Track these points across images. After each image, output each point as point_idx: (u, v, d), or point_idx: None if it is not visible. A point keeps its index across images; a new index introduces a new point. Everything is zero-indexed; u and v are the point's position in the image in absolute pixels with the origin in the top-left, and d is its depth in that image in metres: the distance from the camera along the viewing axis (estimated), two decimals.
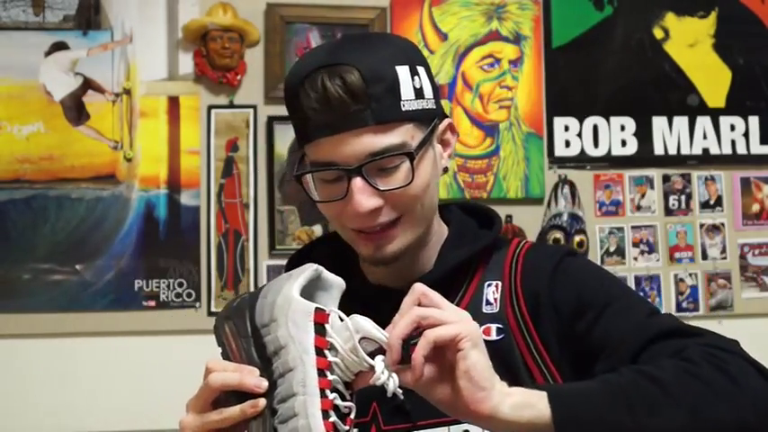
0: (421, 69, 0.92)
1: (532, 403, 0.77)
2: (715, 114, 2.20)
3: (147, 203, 1.95)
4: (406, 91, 0.90)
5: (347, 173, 0.88)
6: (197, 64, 1.97)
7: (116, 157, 1.95)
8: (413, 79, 0.92)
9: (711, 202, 2.18)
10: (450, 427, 0.92)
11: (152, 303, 1.92)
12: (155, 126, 1.96)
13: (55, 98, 1.94)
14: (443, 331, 0.74)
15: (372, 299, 0.94)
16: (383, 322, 0.89)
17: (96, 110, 1.95)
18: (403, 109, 0.89)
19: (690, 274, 2.15)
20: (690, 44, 2.22)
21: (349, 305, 0.93)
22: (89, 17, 1.96)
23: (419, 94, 0.92)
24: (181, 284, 1.94)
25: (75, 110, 1.94)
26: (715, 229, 2.18)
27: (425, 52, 1.79)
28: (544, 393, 0.78)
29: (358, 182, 0.88)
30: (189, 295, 1.94)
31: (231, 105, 2.00)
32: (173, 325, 1.93)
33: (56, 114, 1.94)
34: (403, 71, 0.91)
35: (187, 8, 1.99)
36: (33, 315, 1.90)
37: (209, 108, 1.98)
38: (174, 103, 1.97)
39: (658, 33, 2.21)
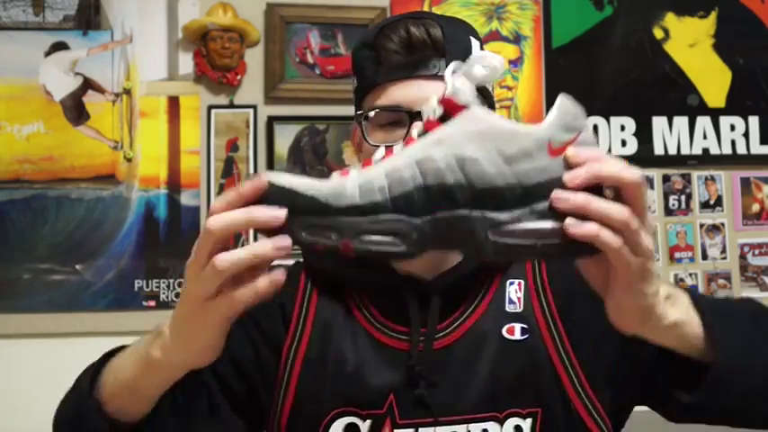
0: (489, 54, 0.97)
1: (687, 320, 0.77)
2: (715, 114, 2.20)
3: (147, 203, 1.95)
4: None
5: (410, 116, 0.90)
6: (197, 64, 1.97)
7: (116, 157, 1.95)
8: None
9: (711, 202, 2.19)
10: (470, 425, 0.91)
11: (152, 303, 1.93)
12: (155, 126, 1.96)
13: (55, 98, 1.94)
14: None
15: (399, 288, 0.95)
16: (409, 312, 0.94)
17: (96, 110, 1.95)
18: None
19: (690, 274, 2.15)
20: (690, 44, 2.22)
21: (376, 296, 0.98)
22: (89, 17, 1.96)
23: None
24: (181, 284, 1.94)
25: (75, 110, 1.94)
26: (715, 229, 2.18)
27: None
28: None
29: (418, 125, 0.84)
30: None
31: (231, 105, 2.00)
32: None
33: (56, 114, 1.94)
34: (476, 44, 0.95)
35: (187, 8, 1.99)
36: (33, 315, 1.90)
37: (210, 108, 1.98)
38: (173, 103, 1.97)
39: (658, 33, 2.21)
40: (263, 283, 0.66)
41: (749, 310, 0.86)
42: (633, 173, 0.66)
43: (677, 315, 0.75)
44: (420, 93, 0.90)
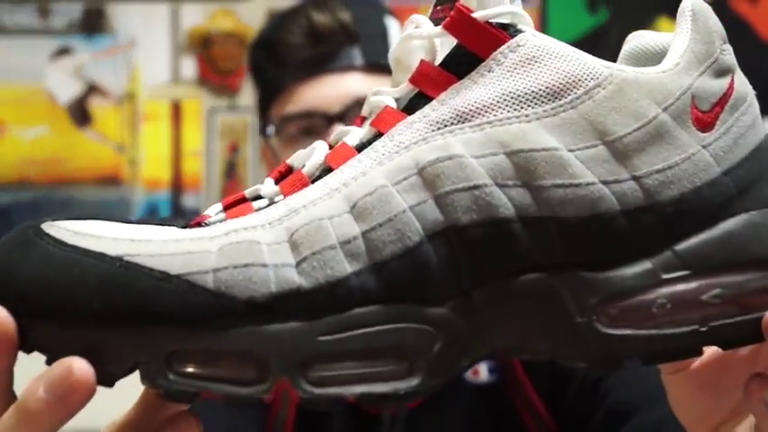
0: None
1: None
2: None
3: (151, 205, 1.98)
4: None
5: (328, 121, 0.74)
6: (199, 68, 2.01)
7: (120, 159, 1.98)
8: None
9: None
10: None
11: None
12: (158, 129, 1.99)
13: (59, 102, 1.96)
14: None
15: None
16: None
17: (100, 113, 1.98)
18: None
19: None
20: None
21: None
22: (94, 22, 1.99)
23: None
24: None
25: (80, 113, 1.97)
26: None
27: None
28: None
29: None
30: None
31: (233, 109, 2.03)
32: None
33: (60, 118, 1.96)
34: (393, 25, 0.80)
35: (190, 14, 2.02)
36: None
37: (212, 112, 2.01)
38: (176, 106, 2.00)
39: None
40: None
41: None
42: None
43: None
44: (335, 90, 0.75)
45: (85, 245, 0.31)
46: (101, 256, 0.31)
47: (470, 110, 0.34)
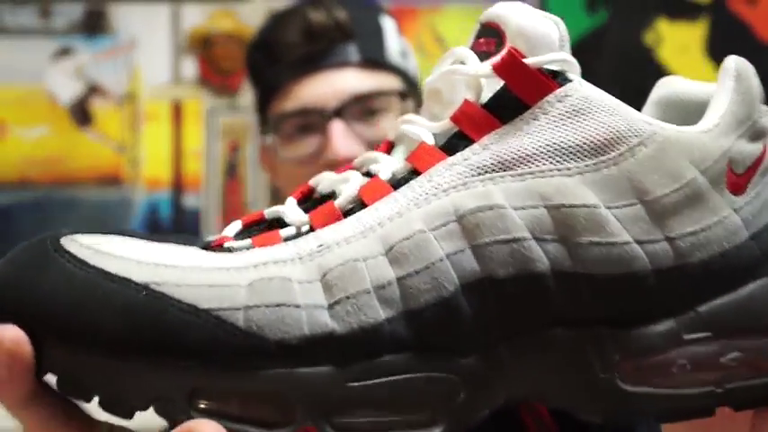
0: (404, 39, 0.80)
1: None
2: None
3: (151, 205, 1.98)
4: (392, 44, 0.80)
5: (323, 118, 0.74)
6: (200, 69, 2.01)
7: (121, 160, 1.98)
8: (399, 38, 0.80)
9: None
10: None
11: None
12: (158, 129, 1.99)
13: (60, 102, 1.97)
14: None
15: None
16: None
17: (101, 114, 1.98)
18: (390, 58, 0.78)
19: None
20: (682, 49, 2.25)
21: None
22: (94, 23, 2.00)
23: (404, 55, 0.81)
24: None
25: (81, 114, 1.98)
26: None
27: (424, 57, 1.83)
28: None
29: (338, 125, 0.72)
30: None
31: (233, 109, 2.03)
32: None
33: (61, 118, 1.97)
34: (388, 24, 0.80)
35: (190, 14, 2.03)
36: None
37: (212, 112, 2.02)
38: (177, 106, 2.01)
39: (651, 38, 2.24)
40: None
41: None
42: None
43: None
44: (331, 87, 0.75)
45: (109, 267, 0.30)
46: (126, 282, 0.30)
47: (513, 158, 0.33)
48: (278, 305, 0.30)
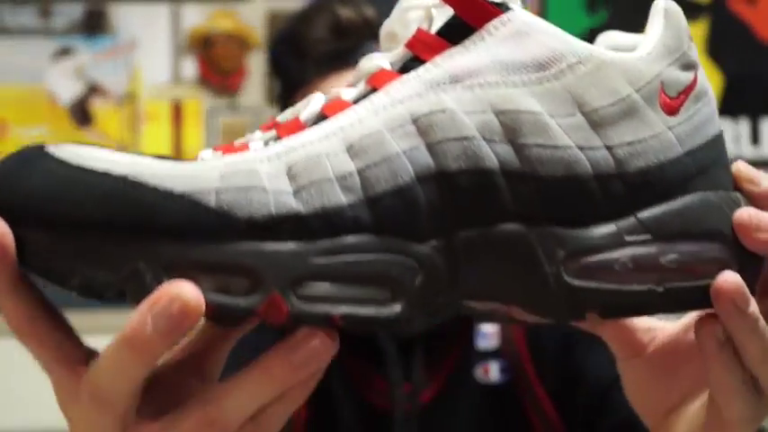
0: None
1: None
2: None
3: None
4: None
5: None
6: (200, 69, 2.01)
7: None
8: None
9: None
10: None
11: None
12: (158, 129, 2.00)
13: (60, 102, 1.97)
14: None
15: (373, 336, 0.75)
16: (387, 367, 0.72)
17: (101, 114, 1.98)
18: None
19: None
20: None
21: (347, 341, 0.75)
22: (94, 23, 2.00)
23: None
24: None
25: (81, 114, 1.98)
26: None
27: None
28: None
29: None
30: None
31: (233, 109, 2.03)
32: None
33: (61, 118, 1.97)
34: None
35: (190, 14, 2.03)
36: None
37: (212, 112, 2.02)
38: (177, 106, 2.01)
39: None
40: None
41: None
42: None
43: None
44: None
45: (88, 164, 0.33)
46: (105, 175, 0.32)
47: (463, 72, 0.36)
48: (247, 188, 0.33)
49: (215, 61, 2.00)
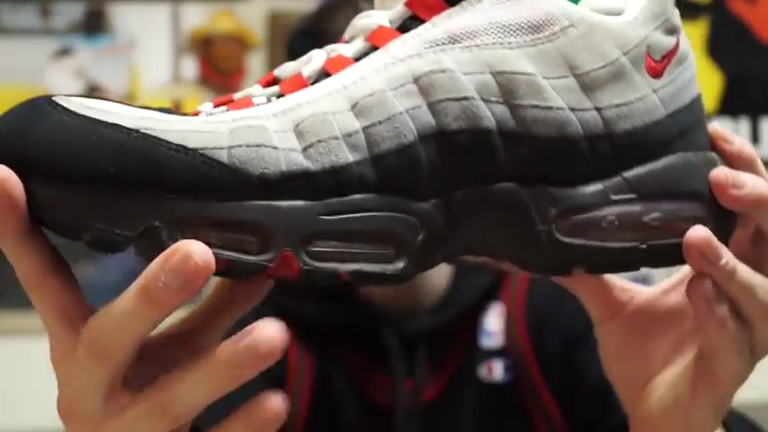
0: None
1: None
2: (707, 118, 2.24)
3: None
4: None
5: None
6: (200, 69, 2.01)
7: None
8: None
9: None
10: None
11: None
12: None
13: None
14: None
15: (375, 331, 0.75)
16: (391, 364, 0.72)
17: None
18: None
19: None
20: None
21: (351, 337, 0.73)
22: (94, 23, 2.00)
23: None
24: None
25: None
26: None
27: None
28: None
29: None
30: None
31: None
32: None
33: None
34: None
35: (190, 14, 2.03)
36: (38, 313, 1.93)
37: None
38: (177, 106, 2.01)
39: None
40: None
41: None
42: None
43: None
44: None
45: (99, 116, 0.32)
46: (117, 126, 0.32)
47: (461, 33, 0.37)
48: (258, 145, 0.33)
49: (215, 61, 2.00)
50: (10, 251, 0.34)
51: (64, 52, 1.98)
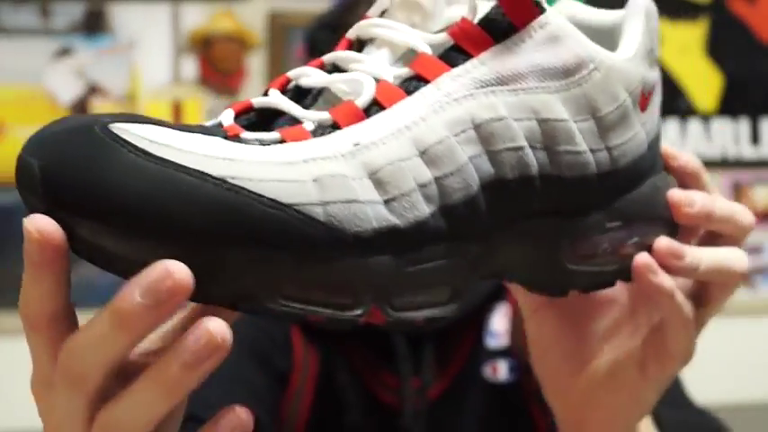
0: None
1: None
2: (706, 119, 2.24)
3: None
4: None
5: None
6: (200, 69, 2.01)
7: None
8: None
9: None
10: None
11: None
12: None
13: (60, 102, 1.97)
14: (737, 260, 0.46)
15: (385, 332, 0.74)
16: (398, 362, 0.72)
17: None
18: None
19: None
20: (682, 49, 2.26)
21: (360, 336, 0.73)
22: (94, 23, 2.00)
23: None
24: None
25: (81, 114, 1.98)
26: None
27: None
28: None
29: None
30: None
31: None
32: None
33: None
34: None
35: (190, 14, 2.03)
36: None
37: (212, 112, 2.02)
38: (177, 106, 2.01)
39: None
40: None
41: None
42: (751, 218, 0.47)
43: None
44: None
45: (178, 159, 0.30)
46: (203, 176, 0.30)
47: (508, 75, 0.38)
48: (350, 201, 0.33)
49: (215, 61, 2.00)
50: (33, 286, 0.34)
51: (64, 52, 1.98)
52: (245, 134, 0.34)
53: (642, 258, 0.43)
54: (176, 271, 0.30)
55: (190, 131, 0.33)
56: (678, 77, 2.24)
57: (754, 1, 2.29)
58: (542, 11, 0.38)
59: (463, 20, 0.38)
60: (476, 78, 0.37)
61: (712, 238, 0.47)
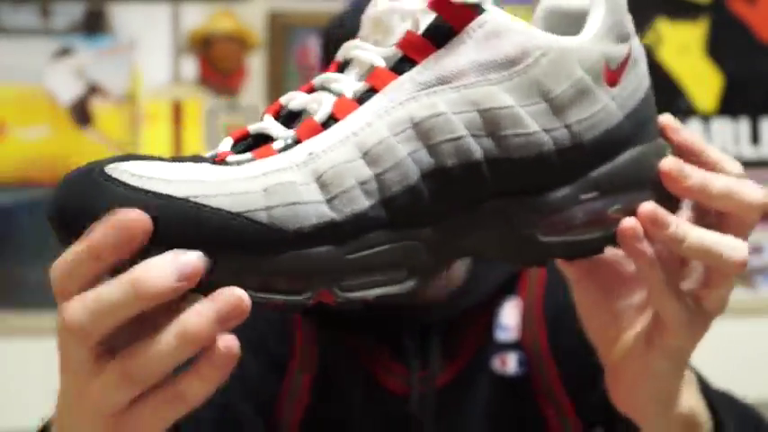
0: None
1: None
2: (706, 119, 2.24)
3: None
4: None
5: None
6: (200, 69, 2.01)
7: None
8: None
9: None
10: None
11: None
12: (158, 129, 2.00)
13: (60, 102, 1.97)
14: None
15: (394, 321, 0.75)
16: (407, 352, 0.73)
17: (101, 114, 1.98)
18: None
19: None
20: (682, 49, 2.26)
21: (368, 326, 0.74)
22: (95, 22, 2.00)
23: None
24: None
25: (81, 113, 1.98)
26: None
27: None
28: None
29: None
30: None
31: (233, 109, 2.04)
32: None
33: (61, 118, 1.97)
34: None
35: (190, 14, 2.03)
36: (39, 313, 1.93)
37: (212, 112, 2.02)
38: (177, 106, 2.01)
39: (651, 38, 2.25)
40: (217, 369, 0.38)
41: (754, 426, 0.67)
42: (758, 195, 0.47)
43: (692, 402, 0.54)
44: None
45: (150, 187, 0.38)
46: (170, 198, 0.38)
47: (449, 75, 0.42)
48: (293, 203, 0.39)
49: (215, 61, 2.00)
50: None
51: (64, 52, 1.98)
52: (230, 157, 0.40)
53: (627, 222, 0.45)
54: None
55: (180, 162, 0.40)
56: (678, 77, 2.24)
57: (754, 1, 2.29)
58: (481, 12, 0.42)
59: (408, 32, 0.42)
60: (418, 82, 0.42)
61: (720, 220, 0.48)
